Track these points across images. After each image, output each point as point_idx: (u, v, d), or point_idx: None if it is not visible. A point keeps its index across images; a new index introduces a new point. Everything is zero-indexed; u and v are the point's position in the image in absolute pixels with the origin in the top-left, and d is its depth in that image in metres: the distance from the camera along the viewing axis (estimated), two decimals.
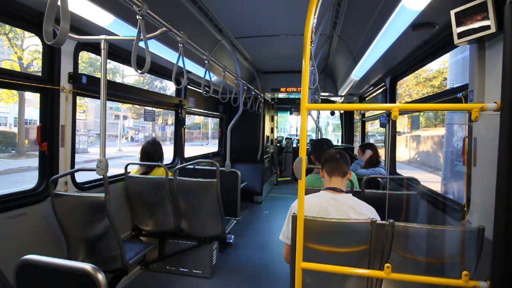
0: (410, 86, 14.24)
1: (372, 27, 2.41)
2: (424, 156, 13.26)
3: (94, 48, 2.36)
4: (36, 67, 12.92)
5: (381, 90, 4.03)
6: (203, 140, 29.82)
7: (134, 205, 2.80)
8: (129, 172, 2.75)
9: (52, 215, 1.95)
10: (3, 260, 1.47)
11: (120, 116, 24.57)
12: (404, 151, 14.70)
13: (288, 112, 8.73)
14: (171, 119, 28.19)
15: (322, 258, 1.40)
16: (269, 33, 3.56)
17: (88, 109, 24.48)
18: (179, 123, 3.80)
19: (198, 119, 29.34)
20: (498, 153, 1.04)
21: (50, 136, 2.04)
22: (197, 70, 3.41)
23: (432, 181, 8.65)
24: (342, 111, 6.71)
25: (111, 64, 18.54)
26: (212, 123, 29.80)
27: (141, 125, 30.22)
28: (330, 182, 1.74)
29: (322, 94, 5.54)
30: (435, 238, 1.32)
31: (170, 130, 29.65)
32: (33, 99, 17.87)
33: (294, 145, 8.44)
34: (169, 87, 27.91)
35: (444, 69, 12.41)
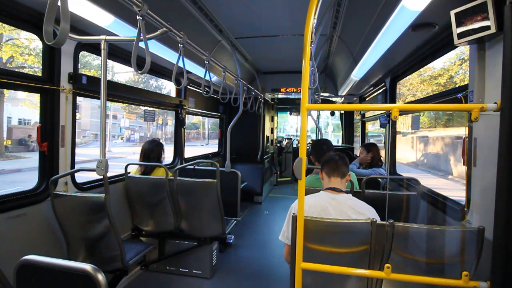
0: (414, 85, 14.03)
1: (372, 27, 2.41)
2: (433, 158, 12.32)
3: (94, 48, 2.36)
4: (19, 62, 12.05)
5: (381, 90, 4.03)
6: (200, 140, 29.67)
7: (134, 206, 2.80)
8: (129, 172, 2.75)
9: (52, 215, 1.95)
10: (3, 260, 1.47)
11: (110, 115, 24.30)
12: (409, 153, 13.89)
13: (288, 112, 8.74)
14: (165, 119, 28.08)
15: (322, 258, 1.40)
16: (269, 33, 3.56)
17: (82, 108, 24.12)
18: (179, 124, 3.80)
19: (195, 119, 29.22)
20: (498, 153, 1.04)
21: (50, 136, 2.04)
22: (197, 70, 3.41)
23: (448, 189, 7.65)
24: (342, 112, 6.71)
25: (100, 60, 18.29)
26: (209, 123, 29.73)
27: (138, 125, 30.10)
28: (330, 182, 1.75)
29: (322, 94, 5.54)
30: (435, 239, 1.32)
31: (166, 130, 29.54)
32: (28, 98, 17.44)
33: (294, 146, 8.44)
34: (165, 86, 27.86)
35: (451, 66, 12.26)
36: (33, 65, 11.99)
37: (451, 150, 10.93)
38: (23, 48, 11.57)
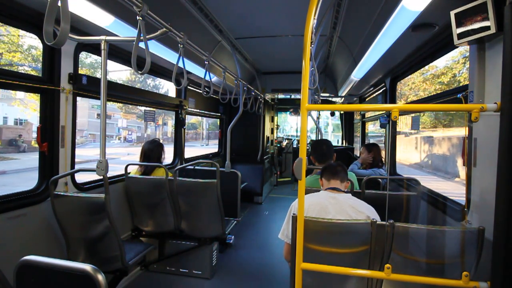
0: (416, 84, 13.89)
1: (372, 27, 2.41)
2: (438, 160, 11.82)
3: (94, 48, 2.36)
4: (7, 60, 11.18)
5: (381, 90, 4.03)
6: (199, 141, 29.53)
7: (134, 206, 2.80)
8: (129, 173, 2.75)
9: (52, 215, 1.95)
10: (3, 261, 1.47)
11: (100, 114, 24.09)
12: (413, 154, 13.51)
13: (288, 112, 8.74)
14: (163, 119, 28.07)
15: (322, 258, 1.40)
16: (269, 33, 3.56)
17: (79, 108, 23.85)
18: (179, 124, 3.80)
19: (194, 119, 29.19)
20: (498, 154, 1.04)
21: (50, 136, 2.04)
22: (197, 70, 3.41)
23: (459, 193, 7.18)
24: (342, 112, 6.71)
25: (92, 58, 17.68)
26: (207, 123, 29.73)
27: (137, 125, 30.05)
28: (329, 184, 1.76)
29: (322, 94, 5.55)
30: (435, 239, 1.32)
31: (163, 130, 29.53)
32: (20, 98, 16.81)
33: (294, 146, 8.44)
34: (162, 86, 27.79)
35: (454, 64, 12.12)
36: (20, 62, 11.60)
37: (458, 150, 10.50)
38: (9, 45, 11.10)
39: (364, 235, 1.35)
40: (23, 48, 11.59)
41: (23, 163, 12.15)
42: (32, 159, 12.60)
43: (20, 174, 10.31)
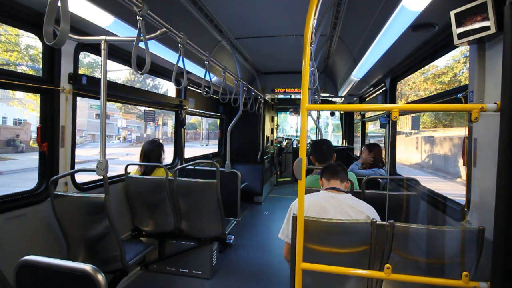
0: (416, 83, 13.83)
1: (372, 27, 2.41)
2: (439, 160, 11.74)
3: (94, 48, 2.36)
4: (5, 59, 10.98)
5: (381, 90, 4.03)
6: (199, 141, 29.49)
7: (134, 206, 2.80)
8: (129, 173, 2.75)
9: (52, 215, 1.95)
10: (3, 261, 1.47)
11: (100, 114, 24.03)
12: (414, 154, 13.42)
13: (288, 112, 8.75)
14: (161, 119, 28.13)
15: (322, 258, 1.40)
16: (269, 33, 3.56)
17: (78, 108, 23.70)
18: (179, 124, 3.80)
19: (193, 119, 29.18)
20: (498, 154, 1.04)
21: (50, 136, 2.04)
22: (197, 70, 3.41)
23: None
24: (342, 112, 6.71)
25: (90, 57, 17.57)
26: (207, 123, 29.74)
27: (136, 125, 30.02)
28: (329, 184, 1.76)
29: (322, 94, 5.55)
30: (435, 239, 1.32)
31: (163, 130, 29.58)
32: (17, 97, 16.43)
33: (294, 146, 8.45)
34: (162, 85, 27.79)
35: (454, 64, 12.06)
36: (17, 62, 11.40)
37: (459, 151, 10.46)
38: (6, 44, 10.98)
39: (364, 235, 1.35)
40: (20, 47, 11.57)
41: (21, 163, 12.11)
42: (30, 160, 12.60)
43: (18, 174, 10.27)
